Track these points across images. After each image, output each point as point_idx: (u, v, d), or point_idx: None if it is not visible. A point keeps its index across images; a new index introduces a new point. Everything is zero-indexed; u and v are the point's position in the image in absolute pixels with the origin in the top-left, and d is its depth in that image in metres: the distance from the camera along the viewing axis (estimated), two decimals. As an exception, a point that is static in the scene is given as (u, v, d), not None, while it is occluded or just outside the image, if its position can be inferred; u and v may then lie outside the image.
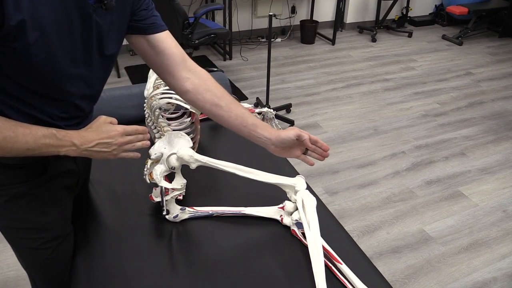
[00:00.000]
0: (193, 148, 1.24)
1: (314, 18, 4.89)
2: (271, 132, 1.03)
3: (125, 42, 3.30)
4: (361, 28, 4.94)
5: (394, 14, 5.22)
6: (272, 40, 4.64)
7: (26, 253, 1.02)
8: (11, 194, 0.90)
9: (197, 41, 3.15)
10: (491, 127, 3.09)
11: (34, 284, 1.13)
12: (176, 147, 1.06)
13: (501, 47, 4.68)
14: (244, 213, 1.15)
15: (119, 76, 3.68)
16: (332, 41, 4.60)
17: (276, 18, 4.71)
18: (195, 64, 1.06)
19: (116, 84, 3.54)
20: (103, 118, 0.91)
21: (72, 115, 0.91)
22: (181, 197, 1.14)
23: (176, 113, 1.50)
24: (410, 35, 4.89)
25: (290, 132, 1.01)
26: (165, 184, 1.06)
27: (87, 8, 0.77)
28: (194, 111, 1.32)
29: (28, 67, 0.74)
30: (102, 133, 0.88)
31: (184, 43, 3.13)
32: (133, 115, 1.56)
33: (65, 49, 0.78)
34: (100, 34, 0.84)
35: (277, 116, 3.00)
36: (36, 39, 0.71)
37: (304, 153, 1.08)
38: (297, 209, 1.07)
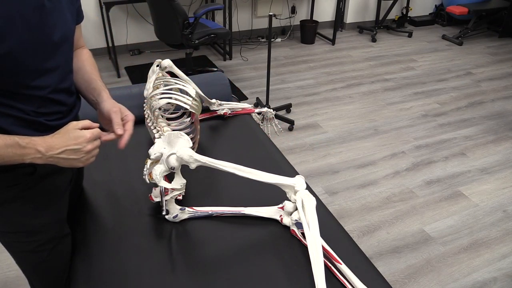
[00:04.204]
0: (192, 148, 1.24)
1: (314, 18, 4.89)
2: (105, 98, 1.02)
3: (124, 42, 3.33)
4: (361, 28, 4.94)
5: (394, 14, 5.22)
6: (272, 40, 4.64)
7: (22, 256, 1.01)
8: (3, 198, 0.90)
9: (197, 41, 3.15)
10: (491, 127, 3.09)
11: (32, 287, 1.12)
12: (175, 147, 1.06)
13: (501, 47, 4.68)
14: (244, 213, 1.15)
15: (119, 76, 3.68)
16: (332, 41, 4.60)
17: (276, 18, 4.71)
18: (82, 48, 1.08)
19: (116, 84, 3.54)
20: (72, 124, 0.87)
21: (52, 110, 0.90)
22: (180, 197, 1.14)
23: (175, 113, 1.50)
24: (410, 35, 4.89)
25: (106, 108, 0.99)
26: (164, 184, 1.06)
27: None
28: (194, 111, 1.32)
29: None
30: (70, 139, 0.84)
31: (184, 43, 3.13)
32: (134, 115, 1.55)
33: (25, 42, 0.77)
34: (54, 19, 0.83)
35: (277, 116, 3.00)
36: None
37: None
38: (296, 209, 1.07)
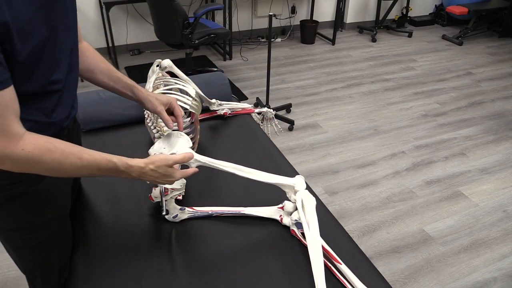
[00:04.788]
0: (192, 148, 1.24)
1: (314, 18, 4.89)
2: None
3: (124, 42, 3.34)
4: (361, 28, 4.94)
5: (394, 14, 5.22)
6: (272, 40, 4.64)
7: (25, 253, 1.02)
8: (7, 195, 0.90)
9: (197, 41, 3.15)
10: (491, 127, 3.09)
11: (32, 285, 1.12)
12: (175, 147, 1.06)
13: (501, 47, 4.68)
14: (244, 213, 1.15)
15: (119, 76, 3.68)
16: (332, 41, 4.60)
17: (276, 18, 4.71)
18: (83, 43, 1.10)
19: (116, 84, 3.53)
20: (168, 159, 0.94)
21: (65, 107, 0.92)
22: (180, 197, 1.14)
23: (176, 113, 1.50)
24: (410, 35, 4.89)
25: (151, 109, 1.14)
26: (164, 184, 1.06)
27: None
28: (194, 111, 1.32)
29: (18, 68, 0.74)
30: (162, 176, 0.94)
31: (184, 43, 3.13)
32: (133, 115, 1.56)
33: (47, 39, 0.78)
34: (64, 12, 0.84)
35: (277, 116, 3.00)
36: (19, 39, 0.71)
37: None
38: (296, 209, 1.07)
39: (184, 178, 1.11)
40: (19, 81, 0.77)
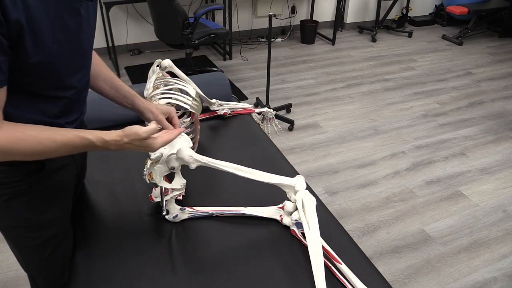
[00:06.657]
0: (193, 148, 1.25)
1: (314, 18, 4.89)
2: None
3: (124, 42, 3.34)
4: (361, 28, 4.94)
5: (394, 14, 5.22)
6: (272, 40, 4.64)
7: (28, 251, 1.02)
8: (12, 192, 0.91)
9: (197, 41, 3.15)
10: (491, 127, 3.09)
11: (34, 284, 1.13)
12: (176, 147, 1.06)
13: (501, 47, 4.68)
14: (244, 213, 1.15)
15: (119, 76, 3.68)
16: (332, 41, 4.60)
17: (276, 18, 4.72)
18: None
19: (116, 84, 3.53)
20: (140, 133, 0.89)
21: (73, 113, 0.93)
22: (180, 197, 1.14)
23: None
24: (410, 35, 4.89)
25: (151, 119, 1.13)
26: (164, 184, 1.06)
27: (75, 3, 0.80)
28: (194, 111, 1.32)
29: (27, 69, 0.75)
30: (139, 147, 0.92)
31: (184, 43, 3.13)
32: (133, 115, 1.56)
33: (64, 49, 0.79)
34: (87, 26, 0.86)
35: (277, 116, 3.00)
36: (32, 40, 0.72)
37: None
38: (296, 209, 1.07)
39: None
40: (30, 82, 0.78)
